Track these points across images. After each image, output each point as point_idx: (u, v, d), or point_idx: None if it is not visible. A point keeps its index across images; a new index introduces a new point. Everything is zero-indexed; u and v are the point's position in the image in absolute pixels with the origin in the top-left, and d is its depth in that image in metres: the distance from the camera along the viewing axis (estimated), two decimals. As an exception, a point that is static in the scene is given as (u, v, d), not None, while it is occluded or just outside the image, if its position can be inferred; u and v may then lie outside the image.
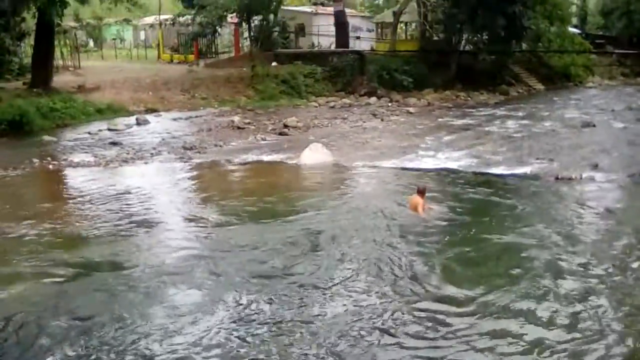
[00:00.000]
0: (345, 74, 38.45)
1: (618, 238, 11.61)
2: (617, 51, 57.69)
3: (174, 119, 28.35)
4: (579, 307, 8.52)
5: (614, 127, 26.99)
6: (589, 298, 8.79)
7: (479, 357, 7.30)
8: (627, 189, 15.69)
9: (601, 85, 49.96)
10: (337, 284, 9.52)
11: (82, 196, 15.39)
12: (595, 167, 17.87)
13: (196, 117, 28.95)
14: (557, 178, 16.59)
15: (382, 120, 29.39)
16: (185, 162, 19.66)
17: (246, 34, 40.96)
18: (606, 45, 59.01)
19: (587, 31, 62.65)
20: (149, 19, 56.98)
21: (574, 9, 64.40)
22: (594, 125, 26.70)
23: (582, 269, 9.92)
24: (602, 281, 9.42)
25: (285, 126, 26.35)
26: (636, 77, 54.98)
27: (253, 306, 8.81)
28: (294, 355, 7.46)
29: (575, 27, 60.88)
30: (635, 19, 56.86)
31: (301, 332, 7.98)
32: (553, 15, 47.54)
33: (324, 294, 9.14)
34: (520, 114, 31.89)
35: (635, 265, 10.14)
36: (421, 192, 13.03)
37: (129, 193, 15.55)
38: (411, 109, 33.54)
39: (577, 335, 7.72)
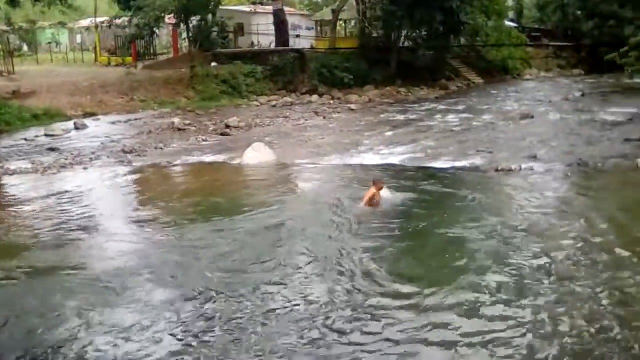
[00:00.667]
0: (286, 72, 38.40)
1: (557, 226, 11.76)
2: (553, 44, 58.91)
3: (113, 123, 27.83)
4: (522, 298, 8.55)
5: (552, 118, 27.49)
6: (533, 288, 8.84)
7: (425, 351, 7.27)
8: (565, 179, 15.93)
9: (538, 78, 50.99)
10: (287, 280, 9.41)
11: (20, 204, 14.94)
12: (534, 158, 18.12)
13: (135, 120, 28.48)
14: (497, 170, 16.75)
15: (324, 118, 29.39)
16: (125, 165, 19.27)
17: (185, 35, 40.51)
18: (542, 38, 60.23)
19: (523, 25, 63.74)
20: (85, 22, 56.02)
21: (510, 3, 65.44)
22: (533, 117, 27.15)
23: (524, 259, 9.97)
24: (545, 270, 9.49)
25: (227, 126, 26.12)
26: (572, 68, 56.23)
27: (203, 305, 8.65)
28: (245, 353, 7.34)
29: (512, 21, 61.88)
30: (570, 12, 58.12)
31: (252, 330, 7.85)
32: (490, 9, 48.32)
33: (274, 291, 9.02)
34: (460, 107, 32.27)
35: (575, 252, 10.24)
36: (376, 184, 13.04)
37: (70, 199, 15.15)
38: (353, 106, 33.64)
39: (522, 329, 7.72)
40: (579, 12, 57.18)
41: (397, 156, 19.57)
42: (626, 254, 10.01)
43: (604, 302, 8.32)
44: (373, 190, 13.00)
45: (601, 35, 52.32)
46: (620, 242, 10.61)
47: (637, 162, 16.66)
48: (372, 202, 12.94)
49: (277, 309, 8.52)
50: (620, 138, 21.08)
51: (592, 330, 7.55)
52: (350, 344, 7.49)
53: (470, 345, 7.28)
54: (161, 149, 22.09)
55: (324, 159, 19.22)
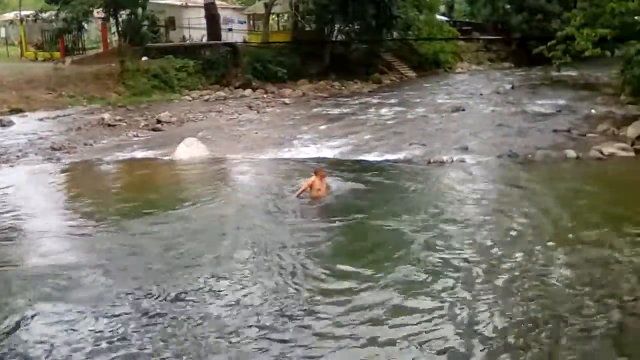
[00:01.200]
0: (219, 66, 37.99)
1: (488, 217, 11.90)
2: (483, 37, 59.92)
3: (41, 119, 26.97)
4: (452, 291, 8.59)
5: (483, 110, 27.93)
6: (462, 280, 8.89)
7: (353, 347, 7.20)
8: (495, 170, 16.17)
9: (469, 71, 51.83)
10: (219, 276, 9.24)
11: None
12: (465, 149, 18.38)
13: (64, 116, 27.64)
14: (430, 162, 16.92)
15: (257, 112, 29.21)
16: (54, 163, 18.74)
17: (114, 29, 39.63)
18: (473, 32, 61.24)
19: (454, 19, 64.75)
20: (9, 15, 54.26)
21: (441, -3, 66.39)
22: (464, 110, 27.54)
23: (457, 251, 10.03)
24: (475, 262, 9.55)
25: (159, 122, 25.67)
26: (502, 61, 57.35)
27: (137, 303, 8.43)
28: (183, 351, 7.17)
29: (443, 14, 62.77)
30: (499, 6, 59.21)
31: (182, 328, 7.68)
32: (421, 3, 48.97)
33: (206, 288, 8.85)
34: (393, 101, 32.50)
35: (505, 242, 10.37)
36: (317, 173, 12.97)
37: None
38: (286, 100, 33.55)
39: (450, 322, 7.74)
40: (508, 6, 58.30)
41: (331, 149, 19.57)
42: (553, 243, 10.20)
43: (530, 290, 8.41)
44: (312, 179, 12.96)
45: (530, 29, 53.49)
46: (548, 231, 10.82)
47: (566, 153, 17.02)
48: (308, 191, 12.92)
49: (210, 305, 8.37)
50: (549, 129, 21.55)
51: (518, 318, 7.61)
52: (279, 340, 7.37)
53: (398, 341, 7.23)
54: (91, 145, 21.57)
55: (258, 153, 19.07)
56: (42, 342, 7.50)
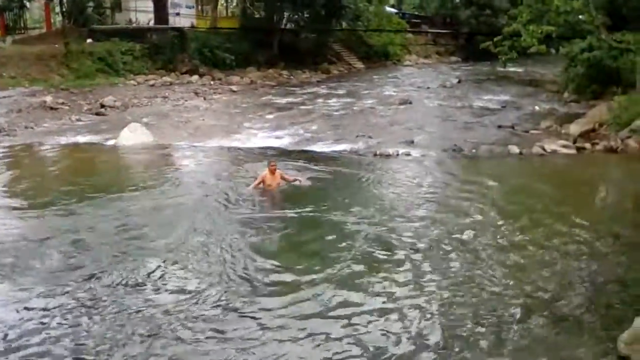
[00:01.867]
0: (166, 51, 37.36)
1: (431, 210, 11.97)
2: (432, 31, 60.45)
3: (-21, 100, 26.29)
4: (392, 285, 8.61)
5: (429, 104, 28.16)
6: (403, 273, 8.91)
7: (292, 343, 7.14)
8: (440, 163, 16.27)
9: (417, 64, 52.20)
10: (159, 268, 9.05)
11: None
12: (411, 143, 18.48)
13: (4, 97, 26.88)
14: (375, 154, 16.95)
15: (204, 99, 28.93)
16: (-7, 143, 18.30)
17: (58, 9, 38.74)
18: (422, 25, 61.68)
19: (403, 11, 65.07)
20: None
21: (391, -11, 66.68)
22: (411, 103, 27.72)
23: (396, 244, 10.04)
24: (416, 255, 9.58)
25: (102, 106, 25.21)
26: (450, 55, 57.95)
27: (74, 287, 8.25)
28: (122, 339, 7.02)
29: (393, 6, 63.05)
30: (448, 0, 59.65)
31: (124, 317, 7.52)
32: (371, -6, 49.02)
33: (147, 280, 8.67)
34: (341, 92, 32.54)
35: (446, 235, 10.40)
36: (269, 167, 12.94)
37: None
38: (234, 87, 33.29)
39: (388, 318, 7.76)
40: (457, 1, 58.87)
41: (278, 139, 19.50)
42: (490, 238, 10.29)
43: (462, 286, 8.47)
44: (264, 173, 12.89)
45: (478, 24, 54.17)
46: (487, 226, 10.90)
47: (509, 148, 17.24)
48: (262, 184, 12.83)
49: (147, 293, 8.22)
50: (493, 125, 21.84)
51: (448, 316, 7.66)
52: (218, 331, 7.28)
53: (334, 335, 7.20)
54: (32, 128, 21.10)
55: (204, 141, 18.87)
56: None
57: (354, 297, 8.14)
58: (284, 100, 29.14)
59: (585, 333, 7.19)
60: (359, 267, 9.05)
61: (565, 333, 7.20)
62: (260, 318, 7.55)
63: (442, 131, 20.83)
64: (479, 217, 11.33)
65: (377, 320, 7.48)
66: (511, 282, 8.52)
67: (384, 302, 7.97)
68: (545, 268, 8.96)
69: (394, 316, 7.59)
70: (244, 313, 7.71)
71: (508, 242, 10.11)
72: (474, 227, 10.78)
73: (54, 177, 15.25)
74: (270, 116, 24.23)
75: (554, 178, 15.25)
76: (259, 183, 12.87)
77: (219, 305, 7.90)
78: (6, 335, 7.18)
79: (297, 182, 13.31)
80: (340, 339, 7.08)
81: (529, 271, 8.88)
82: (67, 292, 8.26)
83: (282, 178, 13.06)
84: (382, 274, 8.83)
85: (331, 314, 7.68)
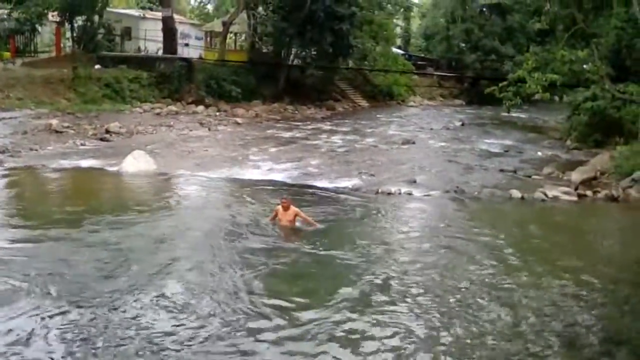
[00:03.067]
0: (173, 81, 37.56)
1: (430, 250, 12.02)
2: (437, 73, 60.84)
3: (-15, 120, 26.40)
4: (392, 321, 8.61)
5: (432, 145, 28.26)
6: (400, 311, 8.91)
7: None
8: (441, 205, 16.32)
9: (422, 105, 52.49)
10: (161, 295, 9.06)
11: None
12: (413, 182, 18.55)
13: (10, 118, 26.98)
14: (377, 192, 17.00)
15: (209, 129, 29.05)
16: (-5, 165, 18.34)
17: (68, 34, 39.08)
18: (427, 67, 62.12)
19: (410, 52, 65.61)
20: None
21: (398, 30, 67.23)
22: (414, 143, 27.84)
23: (394, 282, 10.06)
24: (414, 292, 9.60)
25: (107, 132, 25.30)
26: (454, 98, 58.25)
27: (71, 312, 8.24)
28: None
29: (399, 48, 63.57)
30: (454, 44, 60.12)
31: (119, 339, 7.51)
32: (378, 35, 49.55)
33: (149, 306, 8.67)
34: (345, 129, 32.68)
35: (440, 273, 10.45)
36: (282, 203, 12.84)
37: None
38: (239, 120, 33.43)
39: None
40: (463, 45, 59.25)
41: (281, 173, 19.56)
42: (489, 279, 10.34)
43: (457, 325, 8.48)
44: (277, 208, 12.92)
45: (483, 69, 54.53)
46: (486, 268, 10.93)
47: (511, 193, 17.28)
48: (275, 219, 12.88)
49: (145, 318, 8.22)
50: (496, 168, 21.90)
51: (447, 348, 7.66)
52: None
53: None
54: (36, 150, 21.17)
55: (207, 171, 18.93)
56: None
57: (347, 327, 8.16)
58: (288, 135, 29.27)
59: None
60: (357, 306, 9.03)
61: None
62: (254, 351, 7.54)
63: (445, 172, 20.90)
64: (479, 259, 11.36)
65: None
66: (505, 323, 8.53)
67: (378, 339, 7.98)
68: (538, 315, 8.97)
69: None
70: (237, 345, 7.70)
71: (505, 284, 10.13)
72: (474, 269, 10.80)
73: (55, 200, 15.32)
74: (274, 149, 24.33)
75: (554, 224, 15.30)
76: (274, 217, 12.91)
77: (212, 335, 7.90)
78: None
79: (311, 227, 12.99)
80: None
81: (522, 315, 8.89)
82: (62, 314, 8.27)
83: (298, 215, 12.88)
84: (375, 309, 8.84)
85: (324, 347, 7.68)
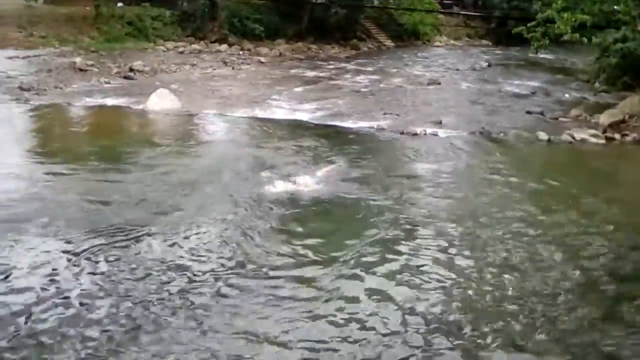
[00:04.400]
0: (196, 19, 37.31)
1: (456, 191, 11.91)
2: (463, 12, 59.69)
3: (10, 58, 26.33)
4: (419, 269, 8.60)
5: (458, 86, 27.93)
6: (425, 255, 8.89)
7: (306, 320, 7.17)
8: (467, 146, 16.15)
9: (447, 45, 51.75)
10: (182, 236, 9.09)
11: None
12: (439, 123, 18.37)
13: (34, 56, 27.01)
14: (402, 133, 16.87)
15: (232, 68, 28.91)
16: (22, 103, 18.41)
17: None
18: (453, 6, 60.94)
19: (436, -9, 64.38)
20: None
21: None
22: (440, 84, 27.50)
23: (418, 226, 10.01)
24: (439, 236, 9.56)
25: (131, 70, 25.29)
26: (480, 38, 57.27)
27: (94, 257, 8.29)
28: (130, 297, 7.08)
29: (425, -14, 62.32)
30: (482, -18, 58.91)
31: (140, 285, 7.58)
32: (404, -28, 48.52)
33: (170, 247, 8.72)
34: (370, 69, 32.36)
35: (465, 215, 10.37)
36: None
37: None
38: (262, 59, 33.21)
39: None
40: (491, -17, 58.01)
41: (305, 112, 19.45)
42: (513, 220, 10.23)
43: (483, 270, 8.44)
44: None
45: (510, 9, 53.36)
46: (510, 208, 10.84)
47: (537, 135, 17.07)
48: None
49: (165, 252, 8.30)
50: (522, 110, 21.60)
51: (469, 299, 7.64)
52: (229, 297, 7.31)
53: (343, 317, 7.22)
54: (61, 88, 21.22)
55: (230, 110, 18.87)
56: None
57: (372, 274, 8.14)
58: (311, 74, 29.04)
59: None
60: (381, 246, 9.02)
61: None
62: (271, 293, 7.56)
63: (471, 113, 20.68)
64: (506, 201, 11.28)
65: (386, 306, 7.46)
66: (529, 264, 8.48)
67: (404, 285, 7.96)
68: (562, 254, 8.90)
69: (401, 302, 7.55)
70: (255, 285, 7.73)
71: (532, 227, 10.04)
72: (501, 211, 10.72)
73: (81, 137, 15.34)
74: (298, 89, 24.18)
75: (582, 166, 15.14)
76: None
77: (231, 273, 7.93)
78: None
79: None
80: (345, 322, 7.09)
81: (544, 257, 8.83)
82: (90, 249, 8.39)
83: None
84: (403, 258, 8.73)
85: (340, 294, 7.66)
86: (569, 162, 15.36)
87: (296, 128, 16.79)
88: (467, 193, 11.72)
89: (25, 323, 6.59)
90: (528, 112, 21.13)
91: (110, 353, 6.13)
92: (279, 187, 11.52)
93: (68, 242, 8.56)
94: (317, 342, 6.47)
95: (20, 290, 7.23)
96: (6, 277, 7.49)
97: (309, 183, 11.92)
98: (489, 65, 37.07)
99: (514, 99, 24.25)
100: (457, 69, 34.29)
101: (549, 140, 16.79)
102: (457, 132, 17.31)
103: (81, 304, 7.00)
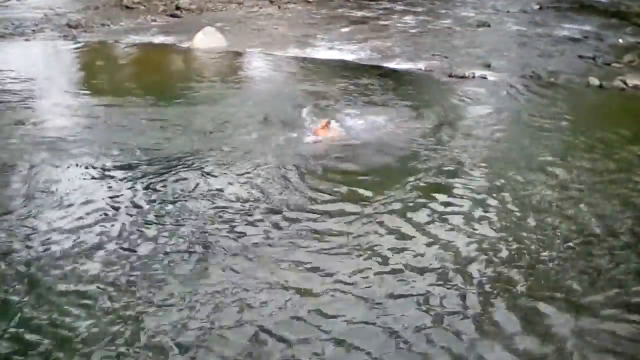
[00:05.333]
0: (242, -44, 36.93)
1: (502, 136, 11.79)
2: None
3: (57, -5, 26.54)
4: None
5: (508, 28, 27.21)
6: (469, 202, 8.84)
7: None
8: (516, 90, 15.85)
9: (497, -14, 50.42)
10: (225, 169, 9.21)
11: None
12: (488, 66, 18.03)
13: (82, -7, 27.17)
14: (450, 75, 16.63)
15: (279, 7, 28.57)
16: (70, 40, 18.58)
17: None
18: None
19: None
20: None
21: None
22: (489, 26, 26.85)
23: (474, 165, 9.96)
24: (495, 173, 9.50)
25: (178, 8, 25.17)
26: (531, -20, 55.71)
27: (133, 188, 8.48)
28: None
29: None
30: None
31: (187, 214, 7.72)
32: None
33: (214, 184, 8.83)
34: (418, 9, 31.66)
35: (513, 161, 10.27)
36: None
37: (10, 68, 14.67)
38: (309, -2, 32.83)
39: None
40: None
41: (351, 53, 19.22)
42: (558, 167, 10.11)
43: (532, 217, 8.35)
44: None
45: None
46: (559, 155, 10.69)
47: (589, 79, 16.68)
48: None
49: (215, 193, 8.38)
50: (573, 54, 21.05)
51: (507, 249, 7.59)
52: (272, 236, 7.40)
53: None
54: (108, 26, 21.30)
55: (277, 50, 18.77)
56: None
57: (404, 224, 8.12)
58: (358, 14, 28.56)
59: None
60: (423, 196, 8.98)
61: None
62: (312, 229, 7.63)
63: (520, 57, 20.22)
64: (557, 146, 11.13)
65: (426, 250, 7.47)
66: (581, 212, 8.38)
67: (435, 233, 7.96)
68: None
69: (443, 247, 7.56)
70: (299, 223, 7.79)
71: (580, 174, 9.89)
72: (551, 158, 10.58)
73: (127, 74, 15.51)
74: (345, 29, 23.86)
75: (633, 114, 14.78)
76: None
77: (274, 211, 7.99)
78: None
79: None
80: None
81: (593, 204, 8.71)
82: (134, 182, 8.74)
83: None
84: (440, 204, 8.74)
85: (380, 239, 7.71)
86: (621, 109, 14.99)
87: (342, 68, 16.65)
88: (516, 138, 11.58)
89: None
90: (579, 57, 20.58)
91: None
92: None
93: (116, 169, 8.76)
94: (370, 273, 6.56)
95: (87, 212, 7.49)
96: (69, 205, 7.75)
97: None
98: (540, 8, 35.99)
99: (566, 43, 23.61)
100: (508, 11, 33.35)
101: (600, 85, 16.39)
102: (507, 76, 16.98)
103: (134, 227, 7.19)
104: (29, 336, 5.52)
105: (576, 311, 6.13)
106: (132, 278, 6.50)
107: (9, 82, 13.75)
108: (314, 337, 5.67)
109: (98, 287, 6.37)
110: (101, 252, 7.02)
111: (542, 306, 6.20)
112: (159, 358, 5.36)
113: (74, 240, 7.19)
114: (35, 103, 12.37)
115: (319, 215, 7.94)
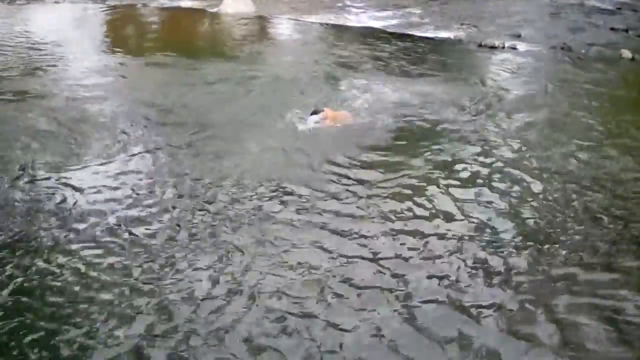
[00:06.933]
0: None
1: (533, 106, 11.63)
2: None
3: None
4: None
5: (539, -2, 26.90)
6: (497, 175, 8.78)
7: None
8: (546, 61, 15.71)
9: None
10: (251, 134, 9.22)
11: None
12: (518, 36, 17.82)
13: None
14: (480, 45, 16.48)
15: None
16: (99, 3, 18.62)
17: None
18: None
19: None
20: None
21: None
22: (520, -5, 26.55)
23: (503, 138, 9.88)
24: (523, 150, 9.42)
25: (206, -28, 25.13)
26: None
27: (157, 153, 8.52)
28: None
29: None
30: None
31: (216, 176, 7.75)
32: None
33: (242, 147, 8.85)
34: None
35: (542, 134, 10.16)
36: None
37: (40, 31, 14.77)
38: (338, -36, 32.51)
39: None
40: None
41: (380, 20, 19.12)
42: (586, 139, 9.97)
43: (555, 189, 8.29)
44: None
45: None
46: (588, 128, 10.56)
47: (621, 52, 16.43)
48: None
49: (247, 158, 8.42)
50: (605, 26, 20.72)
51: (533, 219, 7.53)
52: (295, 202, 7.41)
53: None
54: (137, -11, 21.32)
55: (304, 16, 18.69)
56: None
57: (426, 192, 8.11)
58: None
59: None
60: (448, 168, 8.91)
61: None
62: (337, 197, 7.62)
63: (551, 27, 19.93)
64: (582, 121, 10.97)
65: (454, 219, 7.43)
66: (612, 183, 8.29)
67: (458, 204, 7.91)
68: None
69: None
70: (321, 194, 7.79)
71: (615, 149, 9.76)
72: (582, 131, 10.46)
73: (154, 37, 15.53)
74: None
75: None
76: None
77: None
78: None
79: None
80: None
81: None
82: (149, 135, 8.73)
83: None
84: (466, 176, 8.60)
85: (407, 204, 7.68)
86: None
87: (370, 36, 16.54)
88: (547, 110, 11.43)
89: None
90: (612, 29, 20.25)
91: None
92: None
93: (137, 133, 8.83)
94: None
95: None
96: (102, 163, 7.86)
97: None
98: (572, -22, 35.49)
99: (598, 14, 23.23)
100: (539, -19, 32.96)
101: (632, 58, 16.15)
102: (537, 47, 16.79)
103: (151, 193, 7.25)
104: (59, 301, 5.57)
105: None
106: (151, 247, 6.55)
107: (41, 43, 13.83)
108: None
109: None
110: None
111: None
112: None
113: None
114: (72, 64, 12.47)
115: (346, 184, 7.96)
